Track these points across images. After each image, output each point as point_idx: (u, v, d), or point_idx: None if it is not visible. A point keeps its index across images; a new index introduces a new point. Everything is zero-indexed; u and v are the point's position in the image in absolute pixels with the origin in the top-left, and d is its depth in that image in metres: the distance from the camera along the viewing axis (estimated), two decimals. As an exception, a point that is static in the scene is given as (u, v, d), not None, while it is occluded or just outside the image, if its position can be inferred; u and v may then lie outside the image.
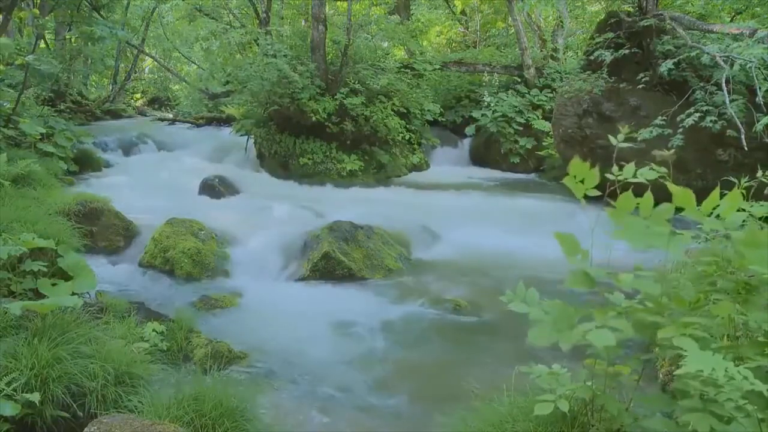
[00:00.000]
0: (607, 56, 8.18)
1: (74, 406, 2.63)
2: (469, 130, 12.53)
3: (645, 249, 1.83)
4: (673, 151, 2.04)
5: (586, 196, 1.99)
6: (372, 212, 7.01)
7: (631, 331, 1.87)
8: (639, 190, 1.92)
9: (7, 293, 3.54)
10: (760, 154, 6.74)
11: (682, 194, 1.81)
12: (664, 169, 1.90)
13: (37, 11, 10.65)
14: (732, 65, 6.68)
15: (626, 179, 1.95)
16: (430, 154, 12.18)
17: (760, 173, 2.38)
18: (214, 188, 8.58)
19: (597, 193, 2.00)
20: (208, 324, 4.38)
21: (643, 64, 8.22)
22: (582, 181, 1.98)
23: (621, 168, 1.96)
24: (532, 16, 14.54)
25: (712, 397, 1.66)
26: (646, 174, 1.92)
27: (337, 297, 5.17)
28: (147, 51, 17.96)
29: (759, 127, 6.30)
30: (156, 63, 20.14)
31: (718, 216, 1.86)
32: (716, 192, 1.82)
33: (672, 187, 1.81)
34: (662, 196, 1.93)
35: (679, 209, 1.85)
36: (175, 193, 8.38)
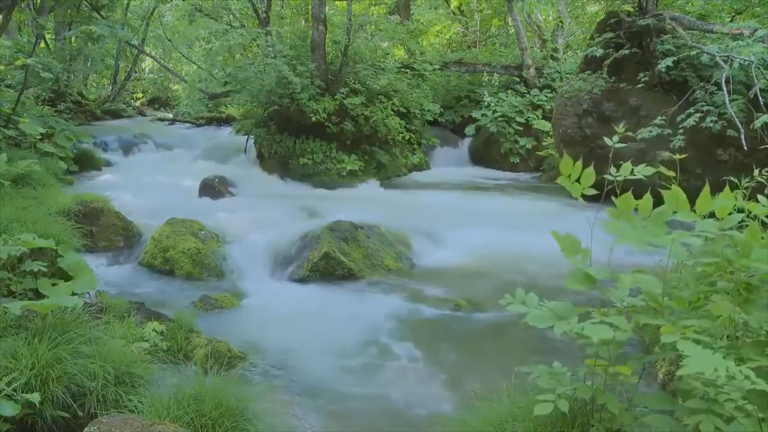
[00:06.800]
0: (599, 52, 8.19)
1: (74, 406, 2.63)
2: (469, 130, 12.53)
3: (644, 249, 1.83)
4: (684, 156, 2.04)
5: (584, 196, 2.00)
6: (372, 212, 7.00)
7: (630, 330, 1.88)
8: (639, 189, 1.92)
9: (7, 293, 3.54)
10: (761, 154, 6.73)
11: (673, 197, 1.81)
12: (672, 173, 1.89)
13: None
14: (732, 65, 6.68)
15: (624, 178, 1.95)
16: (430, 154, 12.18)
17: (756, 172, 2.37)
18: (214, 188, 8.58)
19: (595, 192, 2.01)
20: (208, 324, 4.38)
21: (643, 64, 8.22)
22: (578, 180, 1.98)
23: (619, 168, 1.97)
24: (532, 16, 14.53)
25: (713, 397, 1.66)
26: (644, 171, 1.92)
27: (337, 297, 5.17)
28: (147, 51, 17.94)
29: (757, 124, 6.29)
30: (156, 63, 20.13)
31: (713, 216, 1.86)
32: (707, 191, 1.82)
33: (665, 191, 1.81)
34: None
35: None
36: (175, 193, 8.39)
